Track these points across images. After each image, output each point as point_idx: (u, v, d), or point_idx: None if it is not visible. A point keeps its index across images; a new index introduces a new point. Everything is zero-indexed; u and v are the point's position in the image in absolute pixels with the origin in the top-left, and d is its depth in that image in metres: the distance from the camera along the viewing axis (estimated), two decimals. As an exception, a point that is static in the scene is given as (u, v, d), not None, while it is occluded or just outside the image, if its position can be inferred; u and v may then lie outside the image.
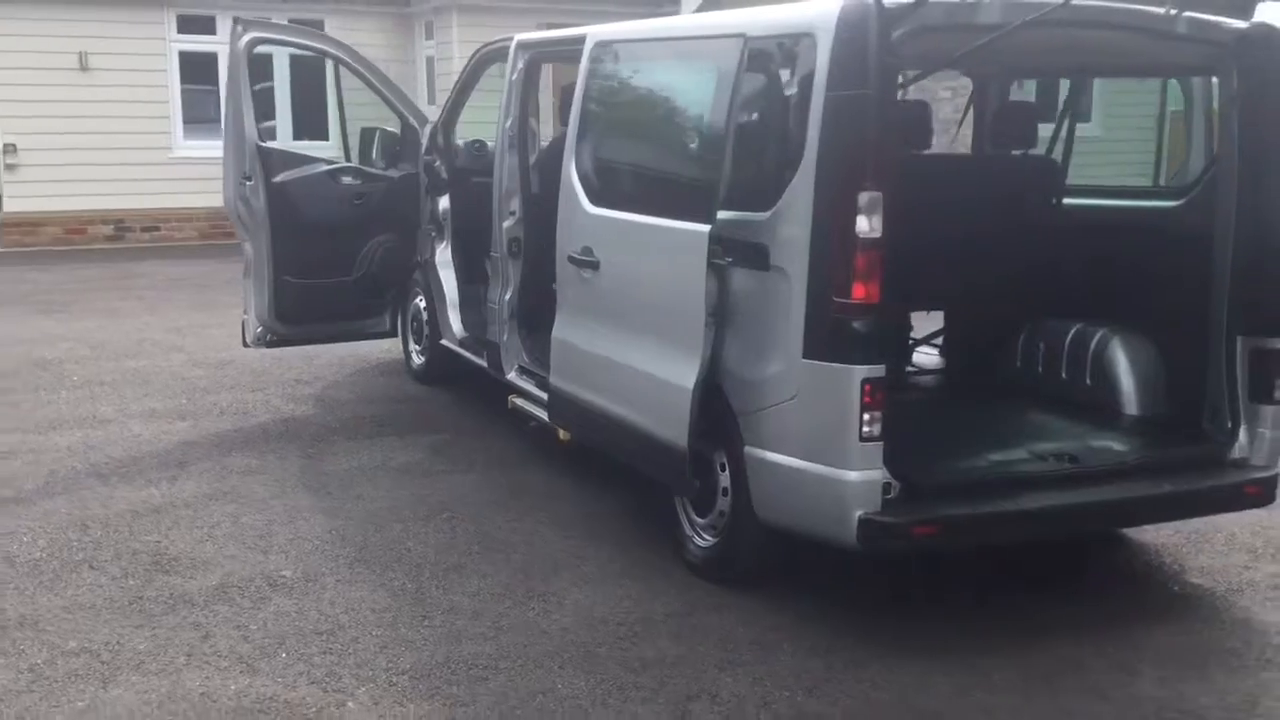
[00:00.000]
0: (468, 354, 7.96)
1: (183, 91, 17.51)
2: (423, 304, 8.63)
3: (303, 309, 7.96)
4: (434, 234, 8.38)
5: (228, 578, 5.44)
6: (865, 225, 4.55)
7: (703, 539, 5.49)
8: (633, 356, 5.56)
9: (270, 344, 8.11)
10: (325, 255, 8.00)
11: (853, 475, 4.66)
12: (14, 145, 16.52)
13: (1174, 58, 5.68)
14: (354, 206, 8.14)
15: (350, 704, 4.35)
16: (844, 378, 4.62)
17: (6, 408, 8.28)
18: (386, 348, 9.62)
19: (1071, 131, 6.81)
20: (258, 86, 8.42)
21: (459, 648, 4.78)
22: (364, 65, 8.17)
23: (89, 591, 5.28)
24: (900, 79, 5.21)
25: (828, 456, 4.71)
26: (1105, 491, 5.07)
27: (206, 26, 17.42)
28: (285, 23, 9.25)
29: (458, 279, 8.30)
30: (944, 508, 4.78)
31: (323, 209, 7.95)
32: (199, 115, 17.37)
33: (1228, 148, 5.39)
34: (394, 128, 8.40)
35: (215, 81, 16.28)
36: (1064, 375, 6.11)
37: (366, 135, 8.39)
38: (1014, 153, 6.61)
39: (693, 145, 5.39)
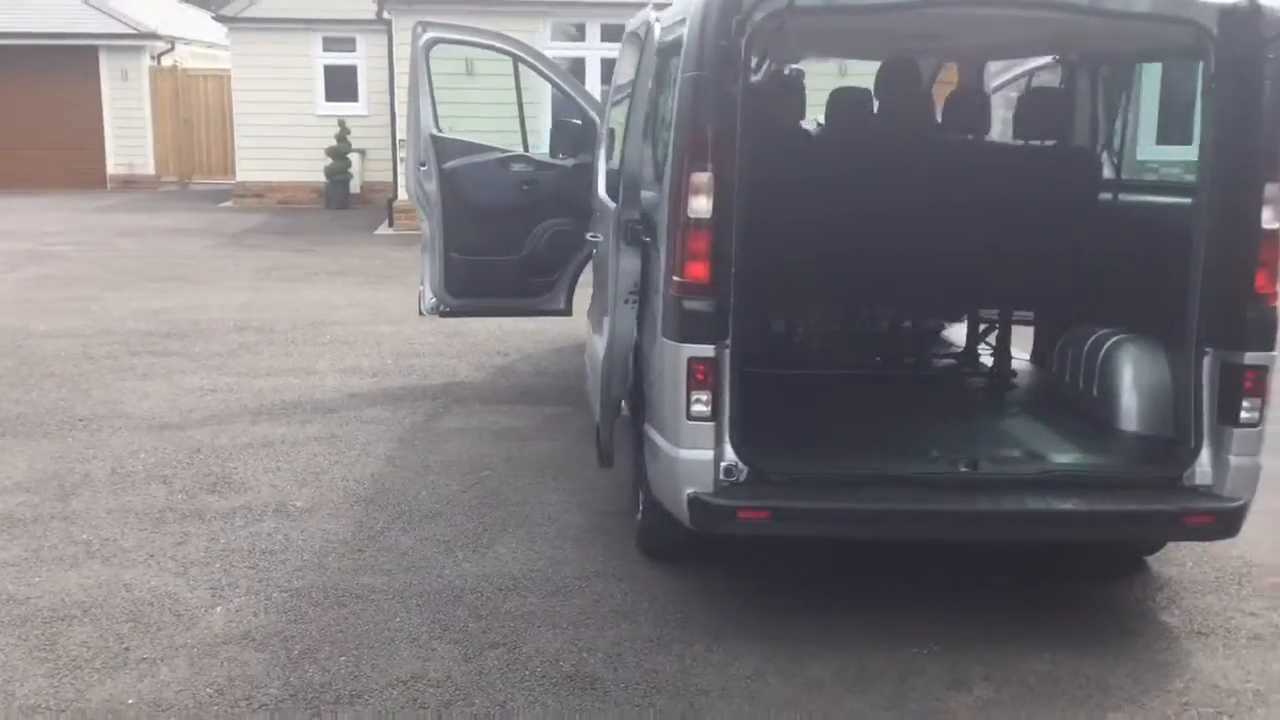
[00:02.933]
0: None
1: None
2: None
3: (468, 283, 8.69)
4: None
5: (252, 501, 6.27)
6: (696, 205, 4.59)
7: (638, 514, 5.66)
8: (595, 338, 5.83)
9: (443, 314, 8.91)
10: (491, 236, 8.68)
11: (683, 453, 4.72)
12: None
13: (1143, 41, 5.13)
14: (523, 192, 8.76)
15: (219, 608, 5.01)
16: (676, 356, 4.68)
17: (249, 356, 9.68)
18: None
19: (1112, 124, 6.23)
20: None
21: (355, 578, 5.31)
22: (542, 61, 8.79)
23: (141, 499, 6.29)
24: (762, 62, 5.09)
25: (669, 434, 4.79)
26: (988, 502, 4.73)
27: (579, 34, 18.34)
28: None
29: None
30: (781, 496, 4.70)
31: (490, 193, 8.63)
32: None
33: (1205, 139, 4.82)
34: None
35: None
36: (1068, 379, 5.65)
37: (557, 127, 8.98)
38: (968, 138, 6.20)
39: (621, 129, 5.58)
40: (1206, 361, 4.80)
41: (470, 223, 8.62)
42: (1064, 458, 5.11)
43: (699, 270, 4.64)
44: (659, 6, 5.49)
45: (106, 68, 25.46)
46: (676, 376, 4.68)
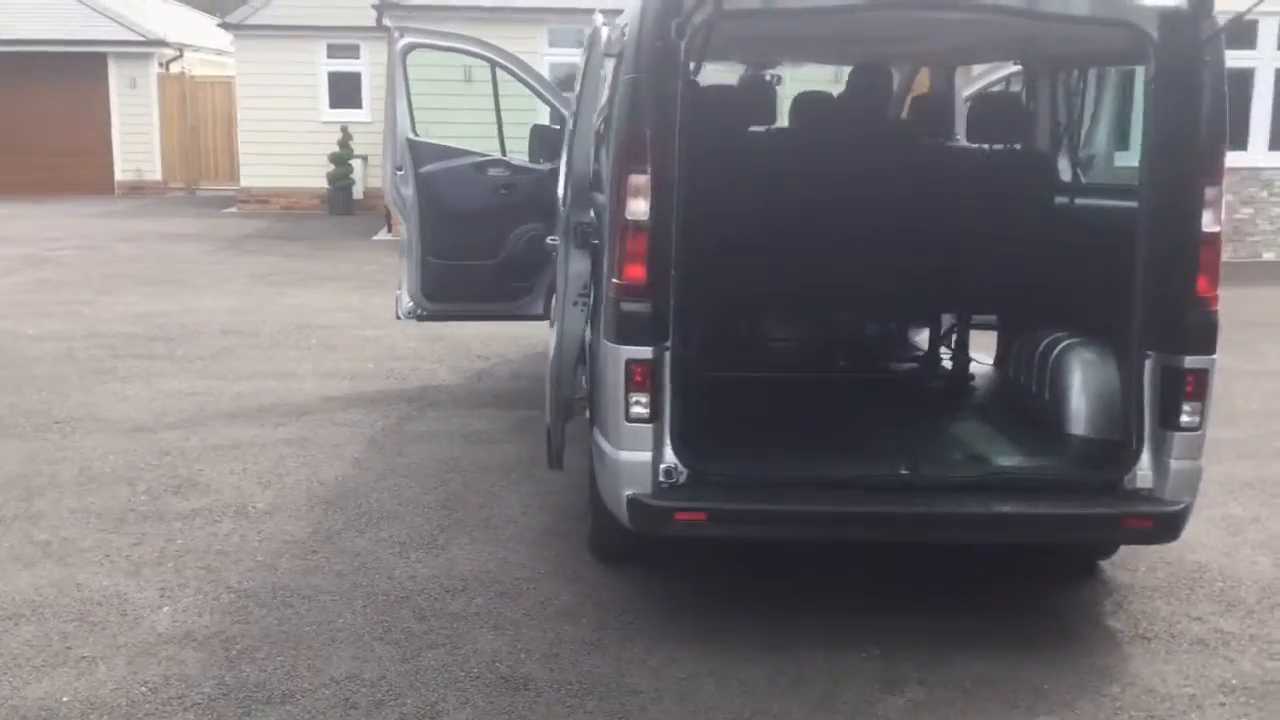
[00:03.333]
0: None
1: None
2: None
3: (444, 288, 8.72)
4: None
5: (214, 503, 6.31)
6: (634, 208, 4.61)
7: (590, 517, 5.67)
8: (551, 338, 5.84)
9: (420, 318, 8.95)
10: (467, 240, 8.70)
11: (622, 455, 4.74)
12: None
13: (1087, 45, 5.14)
14: (499, 196, 8.79)
15: (165, 608, 5.04)
16: (615, 358, 4.70)
17: (232, 359, 9.73)
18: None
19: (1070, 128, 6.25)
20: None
21: (305, 579, 5.34)
22: (519, 66, 8.83)
23: (104, 500, 6.33)
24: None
25: (610, 436, 4.81)
26: (925, 505, 4.73)
27: (576, 41, 18.56)
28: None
29: None
30: (718, 498, 4.71)
31: (466, 198, 8.65)
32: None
33: (1145, 142, 4.82)
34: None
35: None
36: (1022, 382, 5.65)
37: (535, 132, 9.01)
38: (928, 142, 6.22)
39: (573, 130, 5.60)
40: (1148, 365, 4.79)
41: (447, 227, 8.65)
42: (1007, 461, 5.12)
43: (637, 272, 4.65)
44: (608, 12, 5.53)
45: (115, 75, 25.65)
46: (616, 378, 4.70)
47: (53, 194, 24.40)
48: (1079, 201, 5.98)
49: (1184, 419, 4.71)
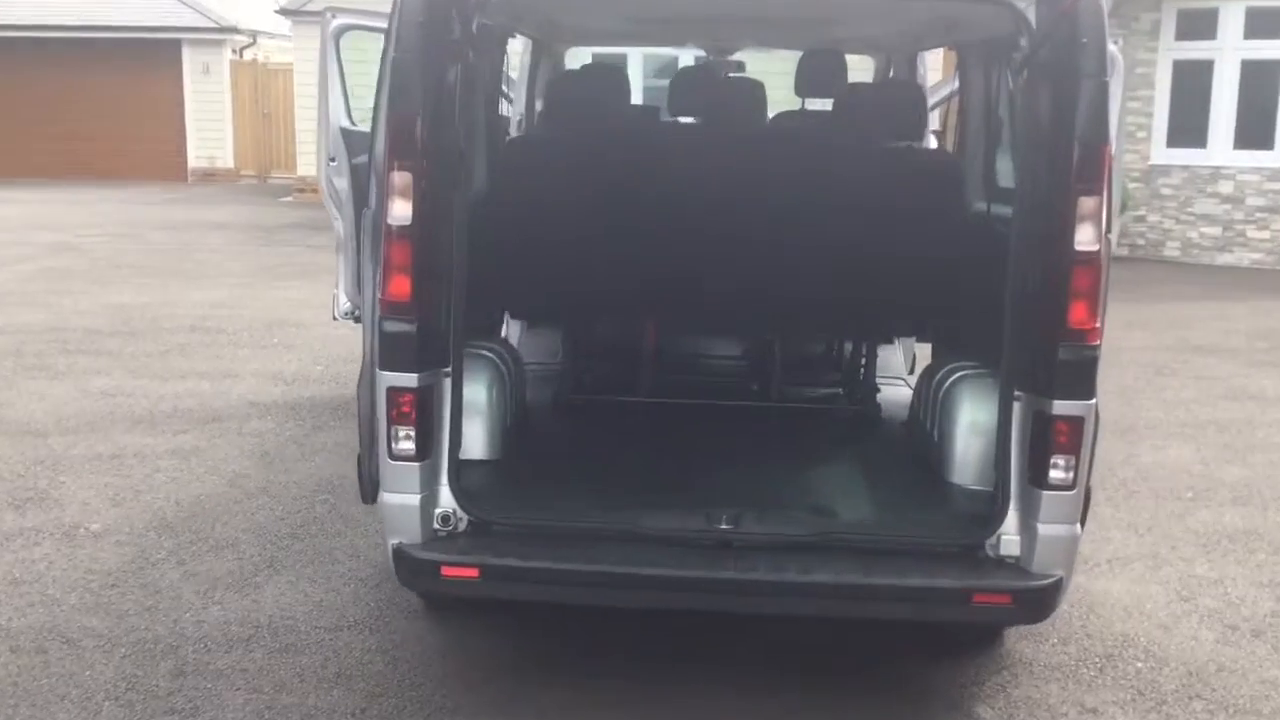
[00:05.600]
0: None
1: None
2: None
3: (378, 287, 8.14)
4: None
5: (48, 522, 5.79)
6: (396, 211, 3.93)
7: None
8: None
9: (358, 319, 8.36)
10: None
11: (387, 498, 4.07)
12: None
13: (967, 30, 4.33)
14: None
15: (-88, 647, 4.53)
16: (378, 385, 4.03)
17: (180, 357, 9.27)
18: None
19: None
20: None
21: (81, 619, 4.77)
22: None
23: (-62, 516, 5.88)
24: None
25: (379, 475, 4.13)
26: (737, 569, 3.95)
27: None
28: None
29: None
30: (493, 552, 4.01)
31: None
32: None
33: (1015, 142, 4.01)
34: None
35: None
36: (920, 416, 4.84)
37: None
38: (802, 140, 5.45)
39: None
40: (1017, 408, 3.96)
41: (382, 222, 8.06)
42: (854, 515, 4.30)
43: (400, 286, 3.97)
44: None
45: (189, 61, 25.70)
46: (379, 409, 4.04)
47: (127, 179, 24.51)
48: (995, 209, 5.12)
49: (1054, 475, 3.85)
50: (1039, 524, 3.88)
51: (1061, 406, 3.81)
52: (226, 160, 26.11)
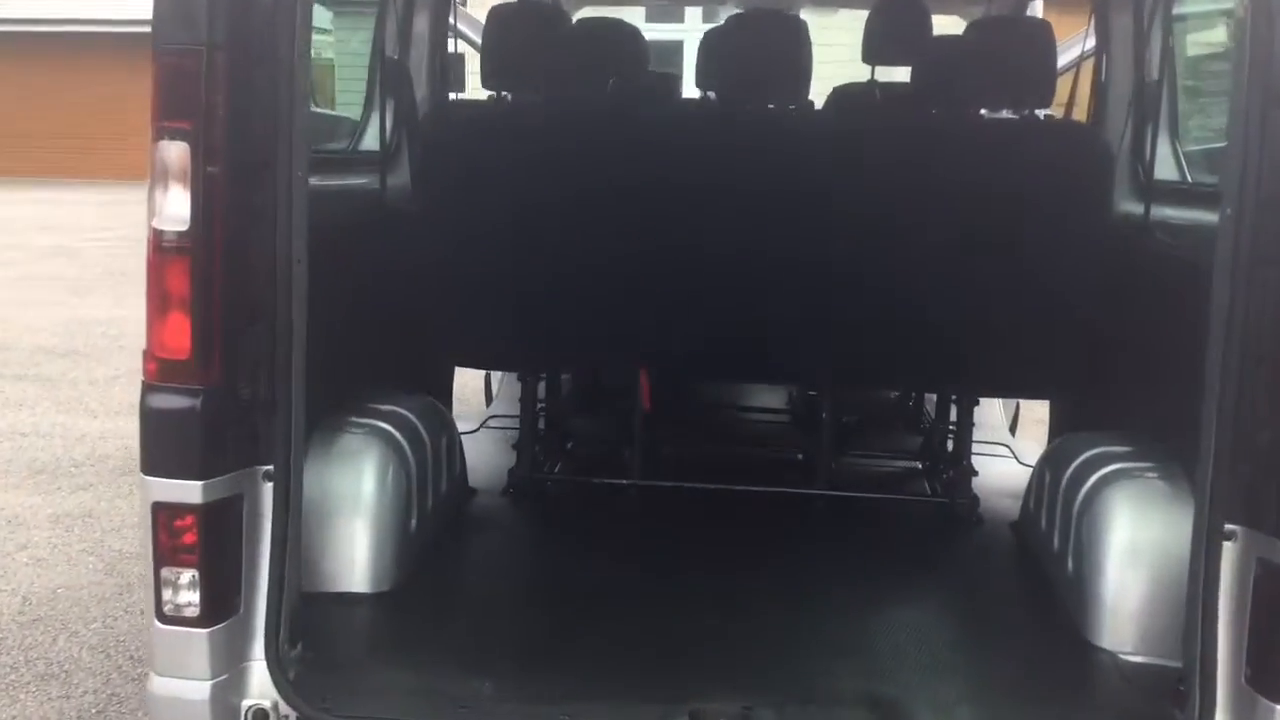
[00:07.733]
0: None
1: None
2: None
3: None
4: None
5: None
6: (168, 207, 2.40)
7: None
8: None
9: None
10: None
11: (155, 683, 2.48)
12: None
13: None
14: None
15: None
16: (143, 499, 2.44)
17: (120, 390, 7.81)
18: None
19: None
20: None
21: None
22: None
23: None
24: None
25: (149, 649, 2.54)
26: None
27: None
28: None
29: None
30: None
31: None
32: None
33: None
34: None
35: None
36: (1044, 521, 3.17)
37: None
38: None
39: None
40: (1230, 550, 2.28)
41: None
42: (932, 711, 2.59)
43: (176, 335, 2.41)
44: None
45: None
46: (143, 536, 2.45)
47: (143, 180, 23.26)
48: (1158, 213, 3.39)
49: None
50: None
51: None
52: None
